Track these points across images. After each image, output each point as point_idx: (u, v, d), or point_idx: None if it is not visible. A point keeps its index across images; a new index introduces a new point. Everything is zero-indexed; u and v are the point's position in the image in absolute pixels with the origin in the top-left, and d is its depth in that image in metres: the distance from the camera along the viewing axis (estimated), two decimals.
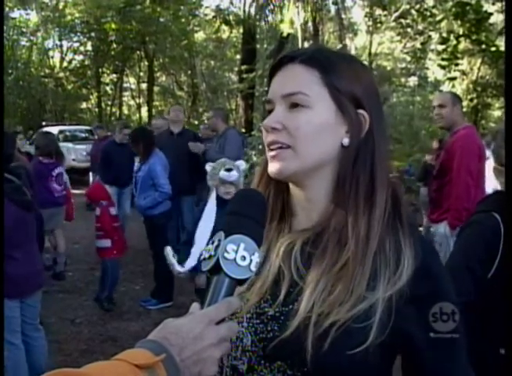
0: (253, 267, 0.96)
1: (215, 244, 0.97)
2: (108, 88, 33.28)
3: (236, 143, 7.17)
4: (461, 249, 2.08)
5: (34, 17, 30.28)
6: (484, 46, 16.21)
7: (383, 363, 1.07)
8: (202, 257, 0.99)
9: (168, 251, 4.61)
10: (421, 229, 5.48)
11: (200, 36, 30.78)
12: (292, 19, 13.94)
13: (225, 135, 7.10)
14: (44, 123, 23.37)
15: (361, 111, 1.12)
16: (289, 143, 1.10)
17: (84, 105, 34.32)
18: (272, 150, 1.13)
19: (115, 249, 6.26)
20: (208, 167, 4.43)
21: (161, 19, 26.25)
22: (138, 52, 30.74)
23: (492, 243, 1.92)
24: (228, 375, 1.14)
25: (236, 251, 0.94)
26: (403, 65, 25.56)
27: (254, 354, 1.11)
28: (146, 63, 31.36)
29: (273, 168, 1.13)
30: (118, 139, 8.76)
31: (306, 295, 1.06)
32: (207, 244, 1.00)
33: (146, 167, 6.24)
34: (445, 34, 16.71)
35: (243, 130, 15.86)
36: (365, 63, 22.43)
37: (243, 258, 0.94)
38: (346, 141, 1.11)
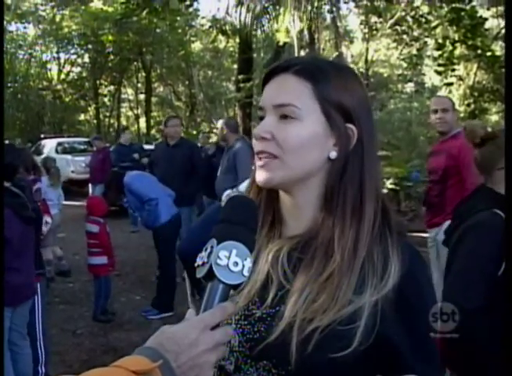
0: (245, 272, 0.97)
1: (208, 250, 0.98)
2: (106, 100, 33.30)
3: (246, 160, 6.38)
4: (474, 252, 2.02)
5: (31, 30, 30.44)
6: (479, 51, 16.25)
7: (368, 369, 1.07)
8: (196, 264, 1.00)
9: None
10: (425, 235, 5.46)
11: (196, 46, 30.85)
12: (288, 28, 13.98)
13: (234, 149, 6.68)
14: (42, 135, 23.32)
15: (350, 125, 1.13)
16: (276, 154, 1.12)
17: (82, 117, 34.37)
18: (260, 158, 1.15)
19: (110, 265, 6.30)
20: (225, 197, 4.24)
21: (158, 30, 26.31)
22: (135, 63, 30.83)
23: (501, 240, 1.89)
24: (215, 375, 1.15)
25: (229, 257, 0.96)
26: (400, 71, 25.62)
27: (241, 354, 1.13)
28: (144, 74, 31.45)
29: (260, 177, 1.15)
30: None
31: (290, 303, 1.07)
32: (201, 251, 1.01)
33: (128, 195, 6.34)
34: (440, 40, 16.76)
35: None
36: (362, 70, 22.51)
37: (236, 263, 0.96)
38: (333, 154, 1.13)
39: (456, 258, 2.07)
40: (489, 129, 2.26)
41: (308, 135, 1.11)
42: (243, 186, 4.34)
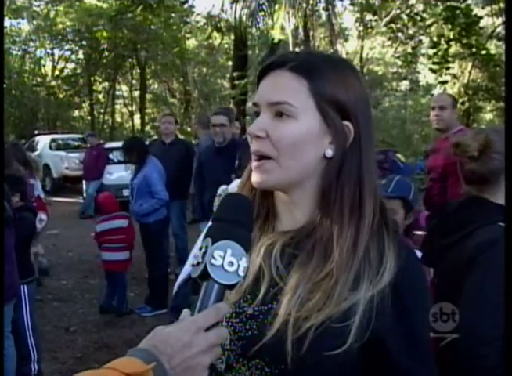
0: (241, 272, 0.96)
1: (203, 250, 0.97)
2: (100, 96, 33.20)
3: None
4: (494, 276, 1.77)
5: (25, 26, 30.34)
6: (474, 50, 16.29)
7: (363, 365, 1.07)
8: (191, 263, 0.99)
9: None
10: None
11: (191, 43, 30.80)
12: (283, 26, 13.97)
13: (199, 147, 7.02)
14: (36, 132, 23.22)
15: (346, 123, 1.11)
16: (271, 155, 1.11)
17: (76, 113, 34.27)
18: (255, 159, 1.13)
19: (130, 261, 6.43)
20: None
21: (153, 27, 26.26)
22: (129, 60, 30.75)
23: None
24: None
25: (224, 257, 0.95)
26: (394, 69, 25.69)
27: (233, 352, 1.12)
28: (138, 71, 31.40)
29: (256, 178, 1.14)
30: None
31: (285, 300, 1.06)
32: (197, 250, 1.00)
33: (141, 174, 6.23)
34: (435, 38, 16.79)
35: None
36: (357, 68, 22.52)
37: (231, 263, 0.95)
38: (329, 152, 1.11)
39: (474, 281, 1.80)
40: (481, 136, 2.00)
41: (302, 133, 1.10)
42: (232, 187, 4.29)
